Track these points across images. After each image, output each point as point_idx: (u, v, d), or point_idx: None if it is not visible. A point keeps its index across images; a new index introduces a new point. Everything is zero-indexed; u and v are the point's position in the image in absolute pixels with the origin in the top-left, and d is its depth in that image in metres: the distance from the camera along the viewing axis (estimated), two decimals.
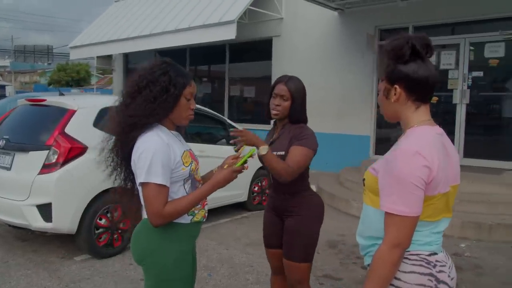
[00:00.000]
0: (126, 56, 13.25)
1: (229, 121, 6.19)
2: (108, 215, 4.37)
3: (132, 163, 1.88)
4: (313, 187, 7.57)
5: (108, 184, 4.22)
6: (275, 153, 2.42)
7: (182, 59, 11.58)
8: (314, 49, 8.95)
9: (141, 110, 1.84)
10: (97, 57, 13.28)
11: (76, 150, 4.17)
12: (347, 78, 8.33)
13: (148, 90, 1.86)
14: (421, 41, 1.53)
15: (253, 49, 10.36)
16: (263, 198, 6.52)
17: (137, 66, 11.90)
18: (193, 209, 1.95)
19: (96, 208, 4.26)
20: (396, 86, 1.57)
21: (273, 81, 9.68)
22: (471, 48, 7.13)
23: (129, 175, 2.00)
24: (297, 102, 2.55)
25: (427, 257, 1.51)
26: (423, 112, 1.59)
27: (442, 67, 7.34)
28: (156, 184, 1.79)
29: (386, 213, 1.47)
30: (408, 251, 1.50)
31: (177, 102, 1.90)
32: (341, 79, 8.42)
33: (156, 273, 1.92)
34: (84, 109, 4.45)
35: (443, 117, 7.38)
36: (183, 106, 1.92)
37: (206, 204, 2.08)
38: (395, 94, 1.58)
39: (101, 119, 4.46)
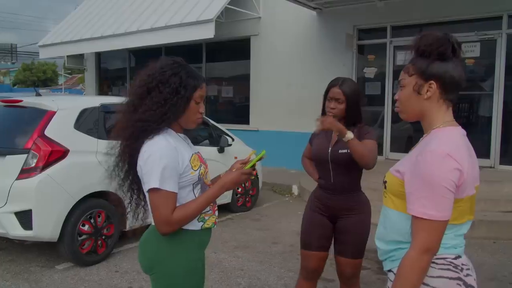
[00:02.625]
0: (99, 55, 12.87)
1: (212, 121, 6.07)
2: (92, 220, 4.19)
3: (138, 168, 1.78)
4: (295, 187, 7.61)
5: (91, 189, 4.16)
6: (345, 150, 2.56)
7: (157, 59, 11.31)
8: (292, 48, 8.93)
9: (151, 114, 1.74)
10: (67, 56, 12.82)
11: (57, 154, 3.97)
12: (326, 77, 8.23)
13: (158, 91, 1.76)
14: (456, 40, 1.51)
15: (231, 49, 10.26)
16: (247, 199, 6.45)
17: (106, 66, 11.55)
18: (203, 214, 1.87)
19: (79, 214, 4.07)
20: (432, 82, 1.52)
21: (251, 81, 9.63)
22: None
23: (135, 181, 1.88)
24: (352, 104, 2.62)
25: (453, 261, 1.48)
26: (450, 112, 1.56)
27: None
28: (164, 190, 1.69)
29: (415, 218, 1.43)
30: (435, 255, 1.46)
31: (188, 106, 1.80)
32: (320, 78, 8.34)
33: (165, 283, 1.82)
34: (64, 110, 4.24)
35: None
36: (192, 109, 1.82)
37: (217, 209, 1.99)
38: (428, 90, 1.53)
39: (82, 121, 4.28)
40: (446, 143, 1.44)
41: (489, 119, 6.98)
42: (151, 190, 1.70)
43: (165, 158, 1.70)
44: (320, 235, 2.69)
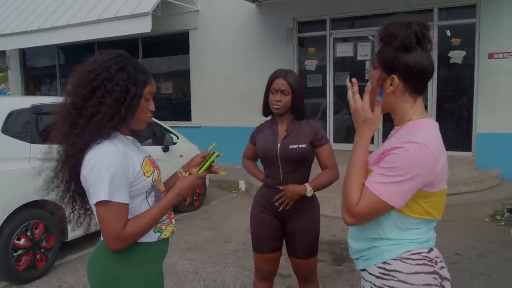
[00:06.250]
0: (23, 52, 11.93)
1: (154, 119, 5.80)
2: (28, 233, 3.81)
3: (82, 178, 1.56)
4: (242, 183, 7.52)
5: (26, 198, 3.77)
6: (296, 146, 2.46)
7: (89, 55, 10.68)
8: (233, 42, 8.80)
9: (101, 118, 1.53)
10: None
11: None
12: (269, 70, 8.11)
13: (104, 90, 1.54)
14: (421, 28, 1.42)
15: (169, 43, 9.91)
16: (194, 198, 6.27)
17: (32, 63, 10.65)
18: (159, 224, 1.70)
19: (13, 227, 3.68)
20: (394, 76, 1.46)
21: (192, 76, 9.29)
22: None
23: (77, 192, 1.66)
24: (297, 95, 2.49)
25: (427, 255, 1.46)
26: (420, 104, 1.52)
27: (359, 58, 7.65)
28: (113, 202, 1.50)
29: (365, 187, 1.40)
30: (410, 250, 1.44)
31: (138, 104, 1.61)
32: (261, 72, 8.23)
33: None
34: None
35: None
36: (142, 108, 1.64)
37: (173, 217, 1.82)
38: (391, 84, 1.47)
39: (11, 124, 3.87)
40: (425, 135, 1.41)
41: (424, 106, 7.29)
42: (99, 203, 1.50)
43: (113, 166, 1.50)
44: (270, 237, 2.60)
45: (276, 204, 2.46)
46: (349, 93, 1.52)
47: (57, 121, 1.60)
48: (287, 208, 2.46)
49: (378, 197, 1.37)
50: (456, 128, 7.46)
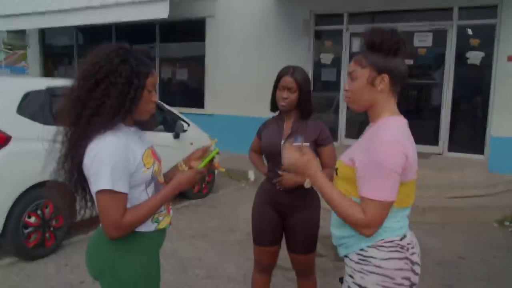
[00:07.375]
0: (43, 31, 12.06)
1: (167, 106, 5.86)
2: (39, 212, 3.92)
3: (84, 167, 1.61)
4: (251, 173, 7.56)
5: (37, 178, 3.86)
6: (299, 143, 2.44)
7: (107, 38, 10.78)
8: (249, 32, 8.77)
9: (106, 109, 1.57)
10: (8, 31, 11.91)
11: None
12: (284, 61, 8.11)
13: (108, 82, 1.59)
14: (403, 37, 1.63)
15: (186, 29, 9.92)
16: (203, 186, 6.34)
17: (51, 43, 10.59)
18: (157, 215, 1.76)
19: (24, 205, 3.80)
20: (385, 74, 1.60)
21: (207, 64, 9.24)
22: None
23: (79, 180, 1.69)
24: (304, 93, 2.53)
25: (400, 242, 1.61)
26: (395, 104, 1.69)
27: None
28: (113, 191, 1.55)
29: (365, 199, 1.53)
30: (383, 239, 1.60)
31: (141, 96, 1.65)
32: (276, 63, 8.20)
33: None
34: (5, 93, 3.92)
35: None
36: (145, 99, 1.68)
37: (171, 208, 1.87)
38: (381, 82, 1.62)
39: (26, 105, 3.96)
40: (395, 131, 1.56)
41: (438, 107, 7.22)
42: (99, 192, 1.55)
43: (114, 156, 1.56)
44: (270, 230, 2.66)
45: (276, 184, 2.53)
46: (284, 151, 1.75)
47: (62, 113, 1.65)
48: (278, 188, 2.52)
49: (379, 200, 1.51)
50: (470, 130, 7.38)
